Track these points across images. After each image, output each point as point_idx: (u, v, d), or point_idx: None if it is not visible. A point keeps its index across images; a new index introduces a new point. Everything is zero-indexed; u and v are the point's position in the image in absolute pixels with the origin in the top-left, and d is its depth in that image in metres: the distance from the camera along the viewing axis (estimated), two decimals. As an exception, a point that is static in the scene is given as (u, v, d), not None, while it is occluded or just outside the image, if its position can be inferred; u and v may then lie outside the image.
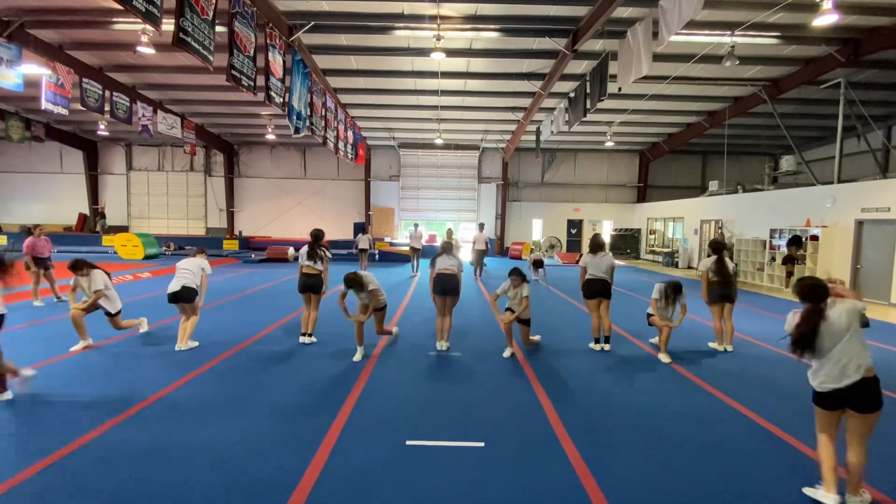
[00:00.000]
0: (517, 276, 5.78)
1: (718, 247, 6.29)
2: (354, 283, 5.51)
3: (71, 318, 5.60)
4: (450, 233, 12.92)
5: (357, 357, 5.53)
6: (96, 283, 5.63)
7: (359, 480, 2.96)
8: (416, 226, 15.31)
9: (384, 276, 13.44)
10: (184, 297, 5.73)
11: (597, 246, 6.23)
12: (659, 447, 3.50)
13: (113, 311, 5.88)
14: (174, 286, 5.72)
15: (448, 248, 6.23)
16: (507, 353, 5.86)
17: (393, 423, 3.82)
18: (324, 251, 6.19)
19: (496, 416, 4.00)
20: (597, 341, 6.25)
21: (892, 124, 16.81)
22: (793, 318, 2.88)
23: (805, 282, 2.89)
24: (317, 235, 6.25)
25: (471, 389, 4.66)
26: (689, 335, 7.01)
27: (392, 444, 3.44)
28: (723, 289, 6.15)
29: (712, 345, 6.42)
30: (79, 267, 5.64)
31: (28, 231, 8.56)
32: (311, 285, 6.10)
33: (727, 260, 6.26)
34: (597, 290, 6.10)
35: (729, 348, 6.28)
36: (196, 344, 5.87)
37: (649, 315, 5.96)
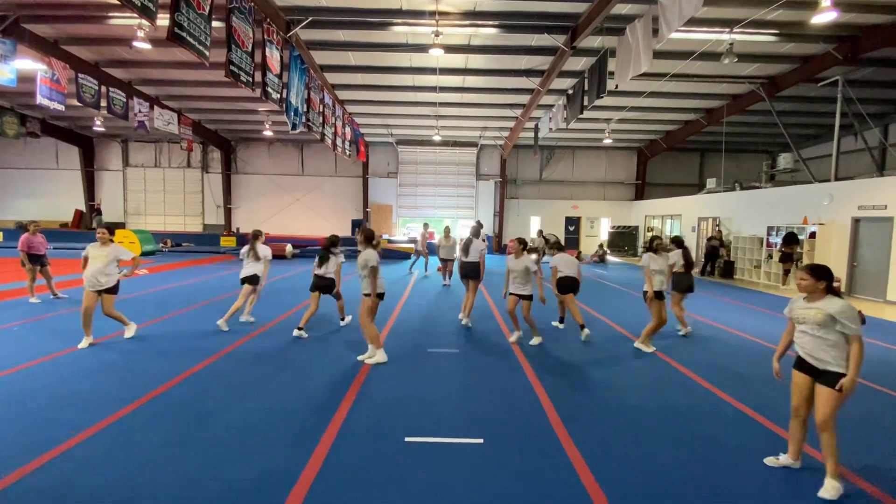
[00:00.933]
0: (518, 242, 6.30)
1: (682, 241, 7.15)
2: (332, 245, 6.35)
3: (84, 311, 5.52)
4: (447, 230, 12.38)
5: (372, 357, 5.34)
6: (125, 254, 5.81)
7: (358, 477, 2.96)
8: (425, 225, 14.28)
9: (383, 273, 13.41)
10: (252, 281, 6.80)
11: (560, 244, 7.49)
12: (657, 443, 3.51)
13: (110, 286, 5.65)
14: (246, 272, 6.81)
15: (475, 236, 7.48)
16: (513, 338, 6.24)
17: (392, 419, 3.82)
18: (335, 253, 6.56)
19: (495, 413, 4.01)
20: (582, 327, 6.60)
21: (889, 122, 16.86)
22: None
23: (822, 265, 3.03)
24: (333, 242, 6.62)
25: (469, 386, 4.67)
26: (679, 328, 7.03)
27: (391, 441, 3.44)
28: (688, 279, 6.91)
29: (681, 330, 6.97)
30: (112, 231, 5.94)
31: (24, 228, 8.49)
32: (322, 286, 6.47)
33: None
34: (569, 286, 6.72)
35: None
36: (254, 319, 7.12)
37: (645, 293, 6.16)
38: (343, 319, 7.08)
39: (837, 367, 2.82)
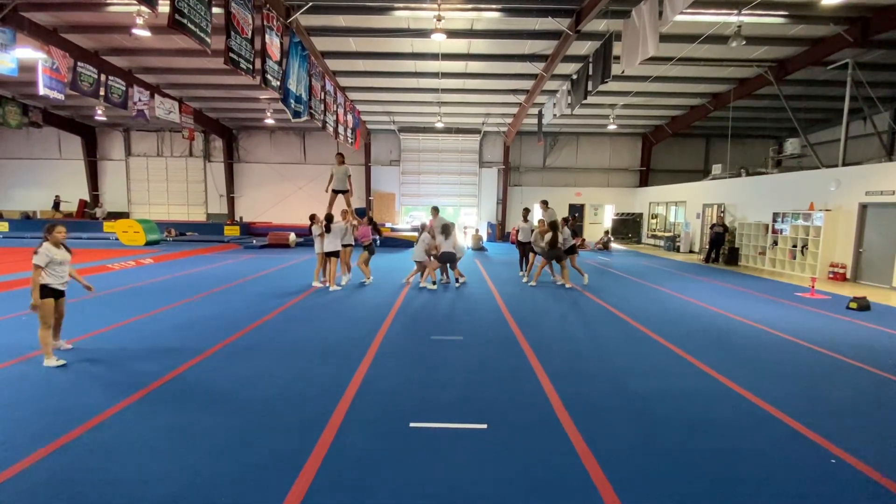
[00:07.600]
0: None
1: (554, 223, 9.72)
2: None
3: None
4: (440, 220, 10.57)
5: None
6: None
7: (363, 462, 3.00)
8: (423, 227, 10.01)
9: (386, 262, 13.44)
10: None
11: (527, 214, 11.36)
12: (661, 428, 3.53)
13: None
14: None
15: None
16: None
17: (396, 405, 3.85)
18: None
19: (498, 399, 4.03)
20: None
21: (899, 106, 16.57)
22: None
23: None
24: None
25: (473, 372, 4.69)
26: (680, 314, 7.02)
27: (396, 427, 3.47)
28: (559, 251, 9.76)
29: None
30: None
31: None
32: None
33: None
34: (525, 246, 10.95)
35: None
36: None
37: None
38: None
39: None
